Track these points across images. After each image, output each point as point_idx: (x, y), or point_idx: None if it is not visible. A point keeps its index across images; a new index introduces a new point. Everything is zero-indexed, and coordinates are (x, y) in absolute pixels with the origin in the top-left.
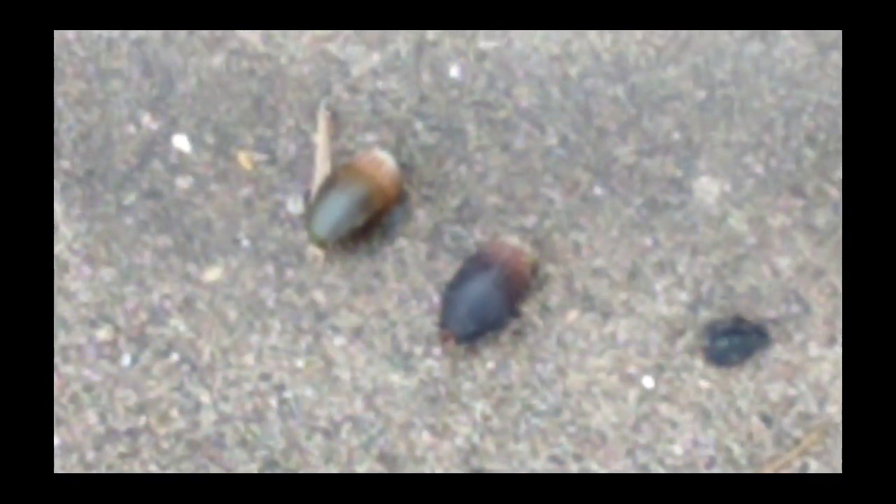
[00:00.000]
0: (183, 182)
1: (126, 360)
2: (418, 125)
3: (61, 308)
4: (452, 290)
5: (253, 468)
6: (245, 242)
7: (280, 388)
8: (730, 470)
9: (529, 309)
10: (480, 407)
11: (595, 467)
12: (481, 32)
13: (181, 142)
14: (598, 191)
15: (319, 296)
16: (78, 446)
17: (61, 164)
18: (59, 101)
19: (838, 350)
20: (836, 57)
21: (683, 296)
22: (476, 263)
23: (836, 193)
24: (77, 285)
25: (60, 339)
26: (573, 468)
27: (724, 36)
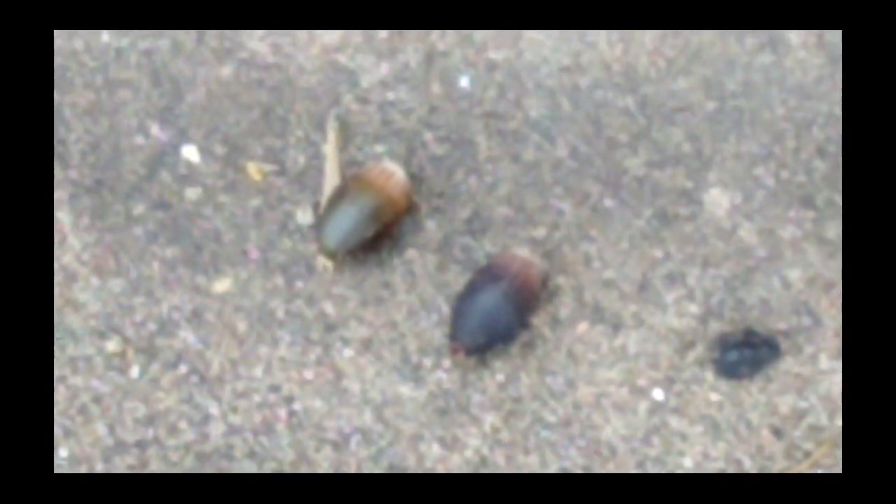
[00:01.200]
0: (192, 193)
1: (135, 371)
2: (428, 136)
3: (70, 319)
4: (462, 301)
5: None
6: (254, 253)
7: (289, 399)
8: None
9: (539, 321)
10: (490, 419)
11: None
12: (491, 43)
13: (190, 152)
14: (608, 202)
15: (329, 307)
16: (87, 458)
17: (70, 175)
18: (67, 112)
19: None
20: None
21: (694, 308)
22: (486, 275)
23: None
24: (86, 296)
25: (69, 350)
26: None
27: (734, 47)
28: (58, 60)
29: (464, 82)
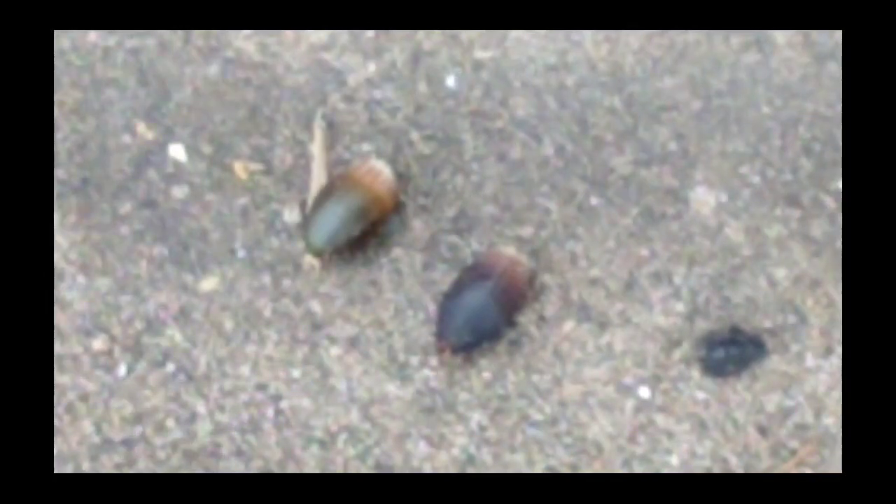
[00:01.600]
0: (179, 192)
1: (122, 369)
2: (414, 135)
3: (57, 318)
4: (449, 300)
5: None
6: (241, 252)
7: (276, 398)
8: None
9: (526, 319)
10: (477, 417)
11: None
12: (477, 42)
13: (177, 151)
14: (594, 201)
15: (316, 306)
16: (74, 456)
17: (57, 174)
18: (54, 111)
19: (835, 361)
20: (833, 67)
21: (680, 306)
22: (472, 273)
23: (832, 204)
24: (72, 295)
25: (56, 348)
26: None
27: (720, 46)
28: None
29: (450, 81)
